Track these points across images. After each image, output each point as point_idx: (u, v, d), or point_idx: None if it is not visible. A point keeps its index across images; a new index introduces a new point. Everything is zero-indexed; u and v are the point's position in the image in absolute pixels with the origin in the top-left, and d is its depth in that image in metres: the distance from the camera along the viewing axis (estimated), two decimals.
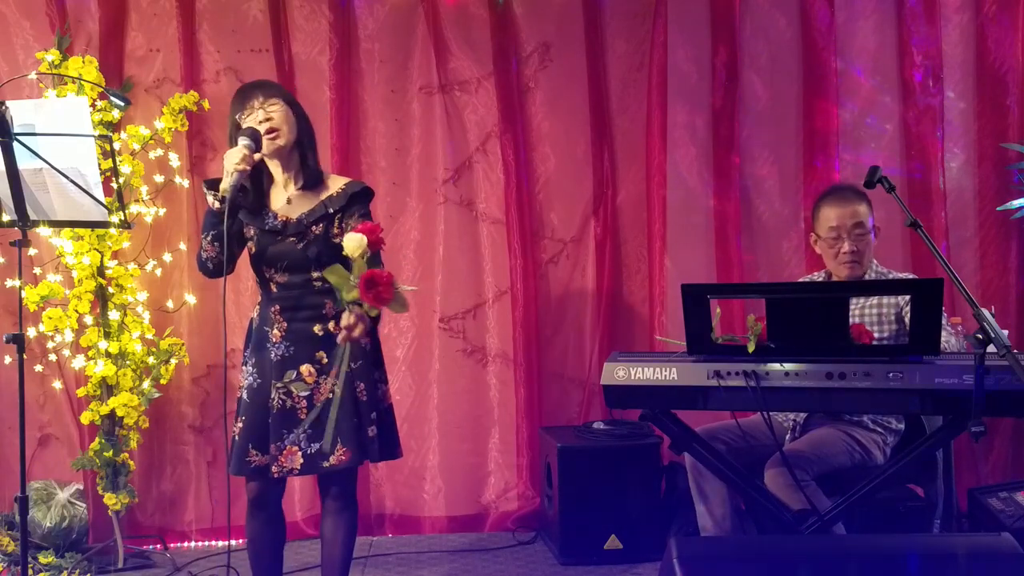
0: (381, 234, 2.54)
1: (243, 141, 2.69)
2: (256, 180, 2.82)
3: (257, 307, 2.88)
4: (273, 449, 2.74)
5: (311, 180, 2.83)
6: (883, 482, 2.81)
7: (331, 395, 2.71)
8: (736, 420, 3.13)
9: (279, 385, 2.76)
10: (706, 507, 3.15)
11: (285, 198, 2.84)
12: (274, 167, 2.85)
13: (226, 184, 2.67)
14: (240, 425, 2.78)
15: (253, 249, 2.82)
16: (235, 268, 2.89)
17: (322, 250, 2.75)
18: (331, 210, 2.79)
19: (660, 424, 2.84)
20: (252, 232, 2.81)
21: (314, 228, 2.78)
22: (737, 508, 3.19)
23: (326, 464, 2.73)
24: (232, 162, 2.66)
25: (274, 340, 2.79)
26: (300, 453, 2.74)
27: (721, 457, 2.94)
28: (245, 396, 2.80)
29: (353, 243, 2.48)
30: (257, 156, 2.72)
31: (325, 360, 2.77)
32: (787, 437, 3.24)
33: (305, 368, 2.77)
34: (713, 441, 3.09)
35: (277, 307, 2.80)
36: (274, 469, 2.74)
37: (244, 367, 2.85)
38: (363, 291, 2.43)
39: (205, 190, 2.79)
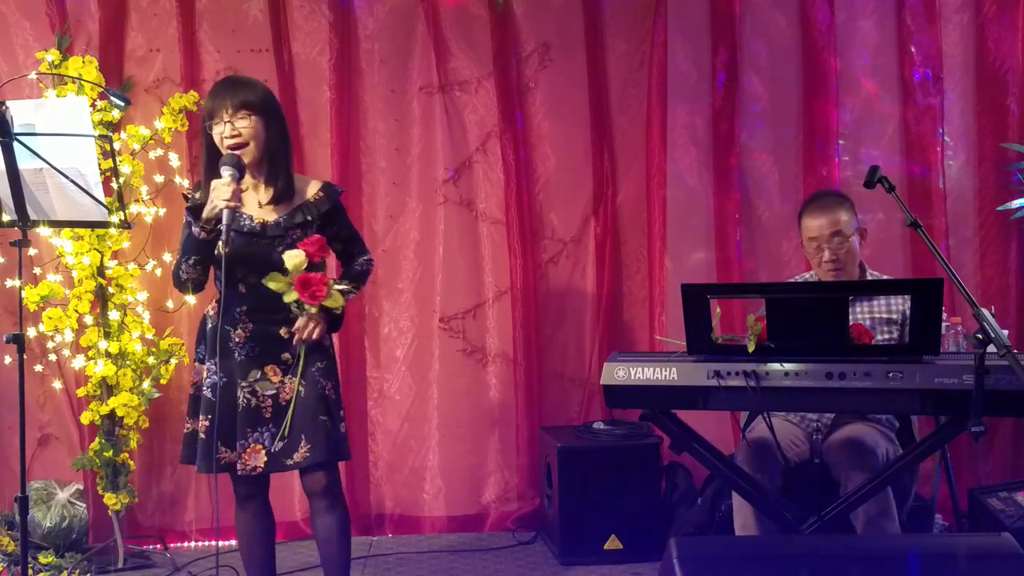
0: (319, 248, 2.72)
1: (228, 172, 2.65)
2: None
3: (215, 305, 2.85)
4: (238, 447, 2.75)
5: (280, 195, 2.81)
6: (887, 478, 2.81)
7: (296, 394, 2.74)
8: (745, 439, 3.11)
9: (244, 385, 2.77)
10: (757, 523, 3.04)
11: (256, 201, 2.83)
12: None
13: (208, 214, 2.66)
14: (206, 423, 2.76)
15: (227, 251, 2.74)
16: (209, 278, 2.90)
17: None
18: (308, 217, 2.81)
19: (660, 424, 2.83)
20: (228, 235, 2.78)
21: (292, 233, 2.78)
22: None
23: (289, 462, 2.74)
24: (222, 198, 2.62)
25: (237, 341, 2.79)
26: (264, 451, 2.75)
27: (722, 457, 2.94)
28: (209, 394, 2.78)
29: (293, 259, 2.68)
30: (245, 186, 2.72)
31: (291, 360, 2.78)
32: (815, 438, 3.21)
33: (270, 368, 2.78)
34: (768, 452, 3.05)
35: (244, 308, 2.79)
36: (238, 467, 2.75)
37: (201, 365, 2.84)
38: (299, 290, 2.69)
39: (189, 218, 2.77)
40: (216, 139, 2.75)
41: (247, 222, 2.78)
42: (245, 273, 2.78)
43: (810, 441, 3.20)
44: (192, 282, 2.82)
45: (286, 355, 2.79)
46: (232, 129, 2.72)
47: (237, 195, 2.65)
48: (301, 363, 2.77)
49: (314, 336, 2.76)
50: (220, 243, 2.69)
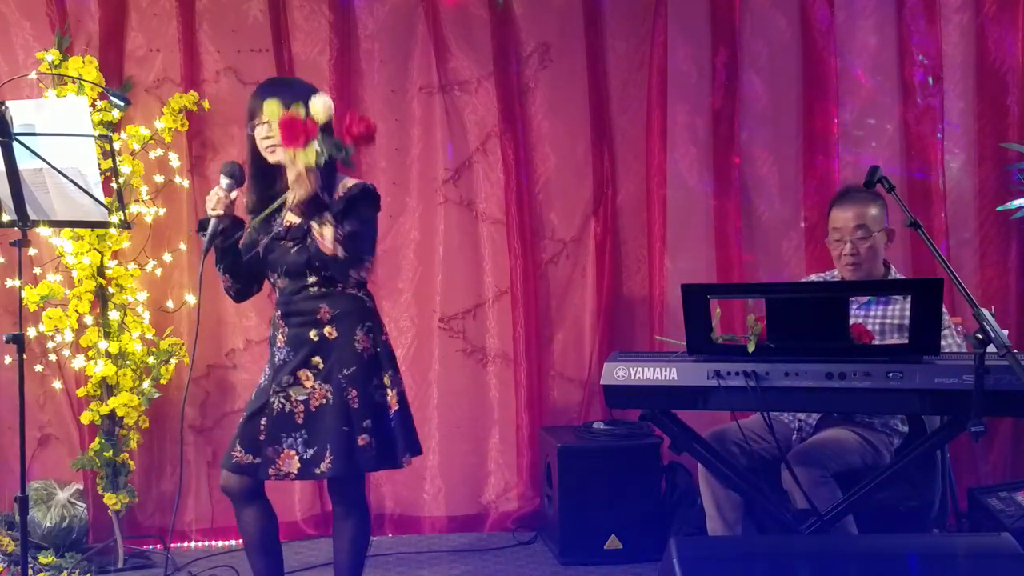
0: (364, 130, 2.57)
1: (223, 181, 2.69)
2: (270, 186, 2.79)
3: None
4: (271, 452, 2.73)
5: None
6: (884, 482, 2.81)
7: (325, 400, 2.72)
8: (737, 422, 3.13)
9: (277, 388, 2.76)
10: (718, 512, 3.11)
11: (295, 202, 2.80)
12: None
13: (210, 228, 2.71)
14: (240, 421, 2.81)
15: (261, 255, 2.80)
16: (263, 285, 2.93)
17: (314, 254, 2.69)
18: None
19: (660, 424, 2.83)
20: (263, 239, 2.80)
21: (311, 234, 2.73)
22: (748, 514, 3.16)
23: (317, 471, 2.72)
24: (209, 207, 2.68)
25: (279, 344, 2.80)
26: (297, 458, 2.72)
27: (722, 458, 2.94)
28: (253, 394, 2.83)
29: (320, 106, 2.54)
30: (234, 195, 2.72)
31: (322, 365, 2.74)
32: (793, 438, 3.22)
33: (303, 373, 2.75)
34: (723, 444, 3.08)
35: (279, 312, 2.81)
36: (271, 471, 2.73)
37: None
38: (281, 125, 2.53)
39: (197, 231, 2.82)
40: (257, 141, 2.74)
41: (278, 226, 2.78)
42: (276, 277, 2.80)
43: (788, 440, 3.20)
44: (232, 290, 2.86)
45: (317, 359, 2.73)
46: (267, 129, 2.69)
47: (224, 204, 2.68)
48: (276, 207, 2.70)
49: (298, 195, 2.60)
50: (261, 248, 2.76)
